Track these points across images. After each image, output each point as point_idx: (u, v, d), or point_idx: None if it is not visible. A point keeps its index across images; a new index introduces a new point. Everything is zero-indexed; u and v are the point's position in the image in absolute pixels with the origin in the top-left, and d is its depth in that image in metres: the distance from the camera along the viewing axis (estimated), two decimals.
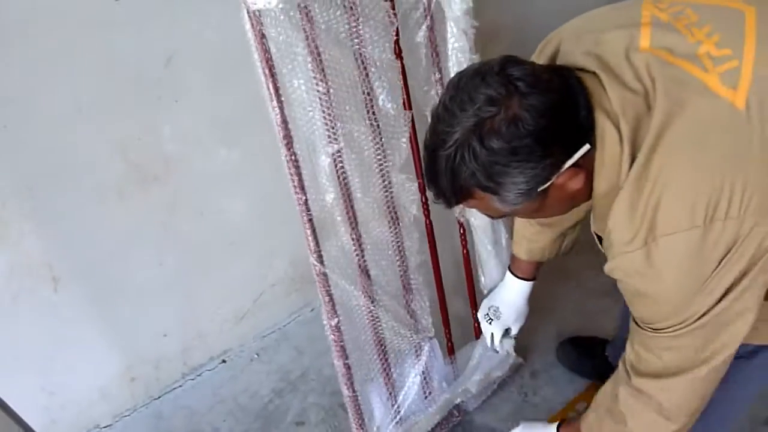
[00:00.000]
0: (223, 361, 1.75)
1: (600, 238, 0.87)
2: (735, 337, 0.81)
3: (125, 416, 1.62)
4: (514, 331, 1.34)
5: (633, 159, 0.75)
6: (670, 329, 0.80)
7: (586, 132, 0.76)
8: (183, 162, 1.36)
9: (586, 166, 0.78)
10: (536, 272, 1.29)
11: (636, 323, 0.87)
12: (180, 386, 1.68)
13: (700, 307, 0.76)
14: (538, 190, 0.76)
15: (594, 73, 0.78)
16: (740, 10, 0.80)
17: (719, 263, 0.73)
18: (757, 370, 1.05)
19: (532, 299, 1.37)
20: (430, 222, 1.39)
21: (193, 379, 1.70)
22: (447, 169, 0.76)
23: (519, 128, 0.71)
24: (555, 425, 1.15)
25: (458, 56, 1.34)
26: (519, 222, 1.23)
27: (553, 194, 0.79)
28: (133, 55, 1.18)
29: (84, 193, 1.26)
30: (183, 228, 1.45)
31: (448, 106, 0.75)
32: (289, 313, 1.84)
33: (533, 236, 1.22)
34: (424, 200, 1.39)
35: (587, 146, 0.75)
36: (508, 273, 1.32)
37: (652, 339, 0.85)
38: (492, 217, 0.89)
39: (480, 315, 1.34)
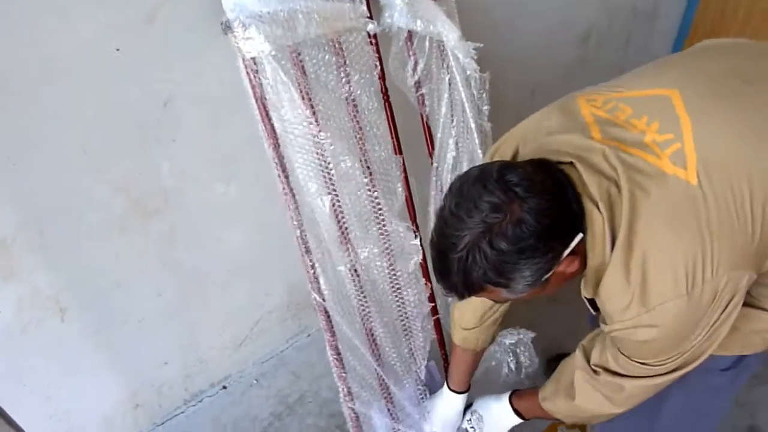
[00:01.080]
0: (224, 387, 1.81)
1: (590, 301, 0.96)
2: (700, 357, 0.90)
3: None
4: None
5: (613, 238, 0.84)
6: (654, 364, 0.91)
7: (579, 221, 0.86)
8: (181, 196, 1.43)
9: (580, 249, 0.87)
10: (469, 381, 1.40)
11: (604, 325, 0.94)
12: (182, 412, 1.74)
13: (684, 348, 0.87)
14: (543, 279, 0.85)
15: (571, 163, 0.88)
16: (666, 96, 0.90)
17: (705, 313, 0.84)
18: (732, 382, 1.13)
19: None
20: (428, 267, 1.46)
21: (194, 405, 1.76)
22: (459, 269, 0.84)
23: (523, 230, 0.80)
24: (507, 395, 1.24)
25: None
26: (457, 312, 1.32)
27: (554, 279, 0.88)
28: (134, 99, 1.26)
29: (88, 228, 1.33)
30: (182, 259, 1.52)
31: (455, 212, 0.84)
32: (286, 339, 1.90)
33: (468, 328, 1.31)
34: (415, 228, 1.46)
35: (580, 235, 0.85)
36: (444, 387, 1.42)
37: (628, 363, 0.94)
38: (498, 302, 0.98)
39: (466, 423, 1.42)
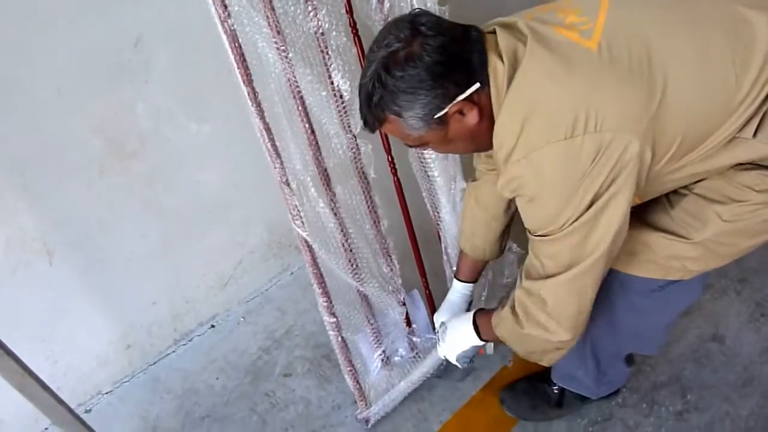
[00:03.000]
0: (212, 326, 1.87)
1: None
2: (600, 243, 0.95)
3: (125, 382, 1.74)
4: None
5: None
6: (550, 235, 0.95)
7: (478, 72, 0.91)
8: (157, 137, 1.47)
9: (482, 105, 0.93)
10: (477, 275, 1.46)
11: (529, 233, 1.01)
12: (173, 351, 1.80)
13: (574, 212, 0.92)
14: (434, 117, 0.92)
15: (493, 31, 0.96)
16: None
17: (586, 171, 0.88)
18: (663, 304, 1.20)
19: None
20: (398, 180, 1.51)
21: (184, 344, 1.82)
22: (365, 96, 0.94)
23: (416, 61, 0.88)
24: (473, 313, 1.29)
25: None
26: (466, 220, 1.38)
27: (453, 126, 0.95)
28: (105, 39, 1.29)
29: (68, 170, 1.37)
30: (162, 200, 1.56)
31: (372, 47, 0.94)
32: (269, 277, 1.97)
33: (477, 233, 1.37)
34: (390, 160, 1.51)
35: (477, 84, 0.91)
36: (454, 279, 1.48)
37: (538, 245, 1.00)
38: (409, 146, 1.03)
39: (436, 333, 1.46)
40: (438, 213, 1.55)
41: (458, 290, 1.46)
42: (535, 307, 1.04)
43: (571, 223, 0.92)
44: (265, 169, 1.29)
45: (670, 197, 1.08)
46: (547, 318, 1.04)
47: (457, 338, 1.33)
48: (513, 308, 1.10)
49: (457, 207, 1.54)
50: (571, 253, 0.97)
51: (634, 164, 0.88)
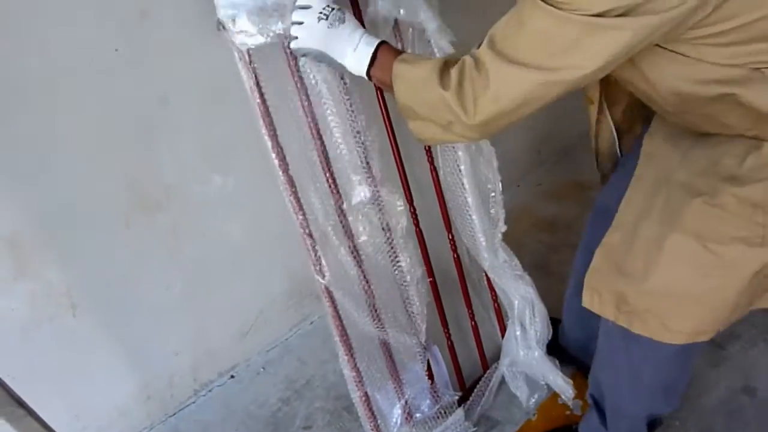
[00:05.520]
0: (232, 376, 1.86)
1: None
2: (585, 62, 0.85)
3: None
4: None
5: None
6: (560, 7, 0.83)
7: None
8: (183, 190, 1.49)
9: None
10: None
11: None
12: (193, 402, 1.79)
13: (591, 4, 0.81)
14: None
15: None
16: None
17: None
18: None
19: None
20: (420, 231, 1.52)
21: (204, 395, 1.81)
22: None
23: None
24: (378, 41, 1.09)
25: None
26: None
27: None
28: (133, 96, 1.32)
29: (94, 223, 1.39)
30: (186, 251, 1.57)
31: None
32: (289, 327, 1.96)
33: None
34: (412, 211, 1.52)
35: None
36: None
37: (531, 11, 0.86)
38: None
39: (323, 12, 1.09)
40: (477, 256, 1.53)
41: None
42: (474, 80, 0.93)
43: (582, 15, 0.81)
44: (287, 218, 1.29)
45: None
46: (473, 97, 0.93)
47: (334, 41, 1.07)
48: (446, 64, 0.98)
49: (500, 255, 1.54)
50: (552, 53, 0.86)
51: None
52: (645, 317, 1.07)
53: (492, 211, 1.52)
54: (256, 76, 1.26)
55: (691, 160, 1.06)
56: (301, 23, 1.09)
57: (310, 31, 1.08)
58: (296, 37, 1.11)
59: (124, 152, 1.37)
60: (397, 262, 1.49)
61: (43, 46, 1.18)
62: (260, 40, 1.21)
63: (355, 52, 1.07)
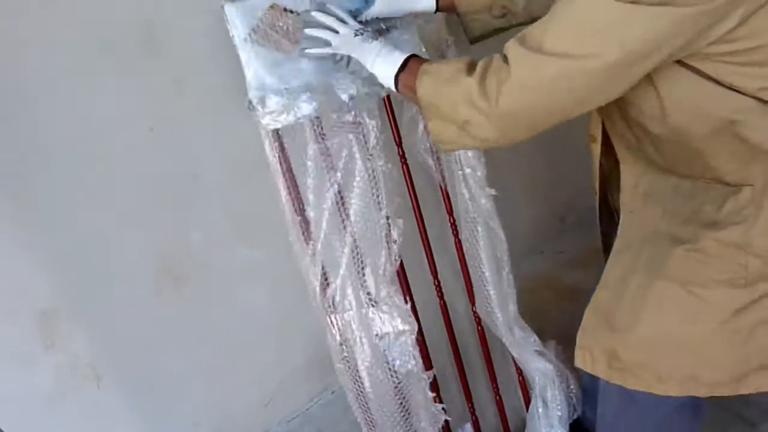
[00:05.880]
0: None
1: None
2: (612, 49, 0.83)
3: None
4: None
5: None
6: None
7: None
8: (210, 261, 1.52)
9: None
10: (451, 6, 1.29)
11: None
12: None
13: None
14: None
15: None
16: None
17: None
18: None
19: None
20: (445, 304, 1.51)
21: None
22: None
23: None
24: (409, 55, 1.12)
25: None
26: None
27: None
28: (167, 173, 1.37)
29: (122, 293, 1.41)
30: (211, 321, 1.59)
31: None
32: (310, 397, 1.94)
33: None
34: (436, 284, 1.52)
35: None
36: None
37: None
38: None
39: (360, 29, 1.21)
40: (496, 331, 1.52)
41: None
42: (499, 70, 0.92)
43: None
44: (311, 290, 1.31)
45: None
46: (496, 84, 0.91)
47: (366, 51, 1.15)
48: (473, 61, 0.98)
49: (517, 332, 1.52)
50: (579, 41, 0.85)
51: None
52: (637, 371, 1.07)
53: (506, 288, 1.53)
54: (283, 154, 1.30)
55: (672, 212, 1.08)
56: (336, 32, 1.19)
57: (344, 39, 1.18)
58: (329, 43, 1.20)
59: (155, 226, 1.41)
60: (422, 334, 1.49)
61: (79, 115, 1.24)
62: (287, 120, 1.25)
63: (385, 59, 1.13)
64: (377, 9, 1.25)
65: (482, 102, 0.93)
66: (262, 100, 1.24)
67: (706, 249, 0.99)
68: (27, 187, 1.23)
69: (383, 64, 1.13)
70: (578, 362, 1.16)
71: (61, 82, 1.20)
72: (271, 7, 1.22)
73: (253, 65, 1.22)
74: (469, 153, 1.47)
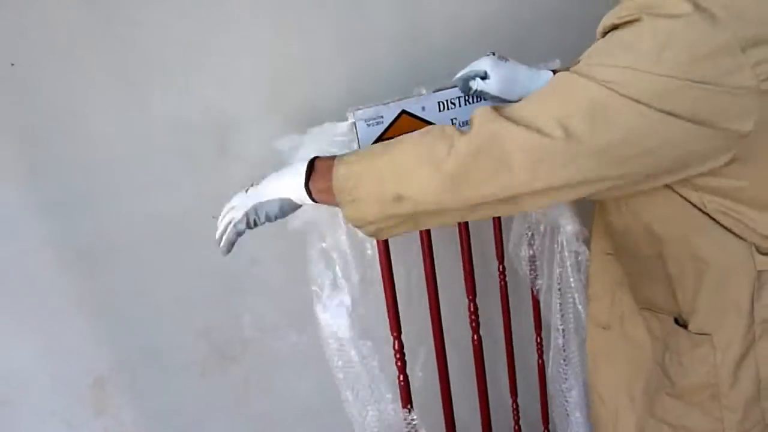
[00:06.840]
0: None
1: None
2: (597, 134, 0.81)
3: None
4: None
5: None
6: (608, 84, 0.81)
7: None
8: (259, 344, 1.56)
9: None
10: None
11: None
12: None
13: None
14: None
15: None
16: None
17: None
18: None
19: None
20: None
21: None
22: None
23: None
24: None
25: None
26: None
27: None
28: (226, 258, 1.44)
29: (171, 369, 1.48)
30: (254, 404, 1.62)
31: None
32: None
33: None
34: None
35: None
36: None
37: (566, 79, 0.86)
38: None
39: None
40: None
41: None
42: (462, 132, 0.89)
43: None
44: None
45: None
46: (450, 144, 0.87)
47: (265, 187, 1.06)
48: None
49: None
50: (568, 110, 0.82)
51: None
52: None
53: None
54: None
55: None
56: (232, 207, 1.09)
57: (243, 201, 1.08)
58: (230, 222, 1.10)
59: (210, 305, 1.48)
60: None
61: (150, 203, 1.35)
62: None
63: (288, 176, 1.04)
64: (493, 86, 1.22)
65: (438, 159, 0.89)
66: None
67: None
68: (98, 265, 1.34)
69: (290, 185, 1.03)
70: None
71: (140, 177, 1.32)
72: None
73: None
74: None
